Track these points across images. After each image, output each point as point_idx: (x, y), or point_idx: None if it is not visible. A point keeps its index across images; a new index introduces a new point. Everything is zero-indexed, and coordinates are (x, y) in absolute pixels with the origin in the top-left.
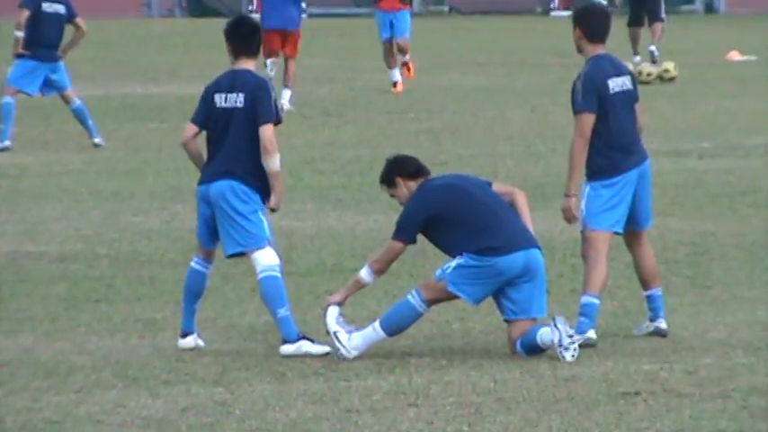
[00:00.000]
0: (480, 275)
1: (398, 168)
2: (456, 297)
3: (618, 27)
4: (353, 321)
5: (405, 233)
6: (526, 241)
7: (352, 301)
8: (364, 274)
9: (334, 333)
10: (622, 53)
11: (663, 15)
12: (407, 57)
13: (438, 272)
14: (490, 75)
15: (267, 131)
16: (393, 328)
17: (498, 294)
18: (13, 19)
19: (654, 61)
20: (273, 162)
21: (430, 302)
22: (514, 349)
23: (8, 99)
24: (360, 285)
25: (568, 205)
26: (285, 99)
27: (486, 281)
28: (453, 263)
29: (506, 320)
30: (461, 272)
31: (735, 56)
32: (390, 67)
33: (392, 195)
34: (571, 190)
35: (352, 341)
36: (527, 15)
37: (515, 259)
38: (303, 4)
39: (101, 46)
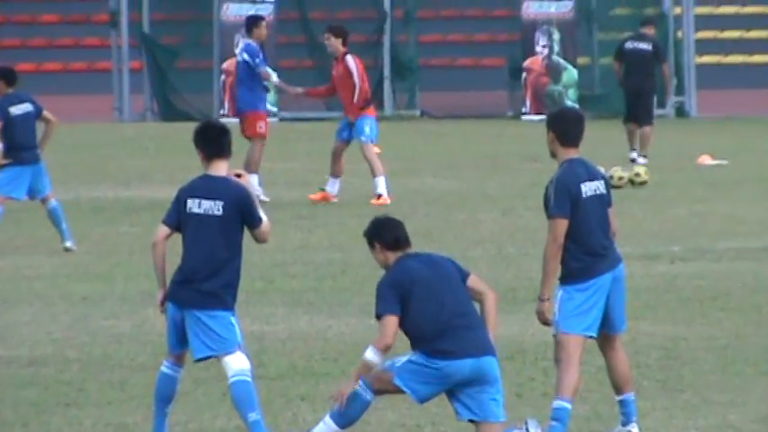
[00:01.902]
0: (427, 375)
1: (378, 234)
2: (402, 391)
3: (591, 130)
4: None
5: (386, 304)
6: (478, 348)
7: None
8: (370, 355)
9: None
10: (596, 156)
11: (652, 120)
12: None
13: (387, 362)
14: (462, 178)
15: (261, 232)
16: (344, 420)
17: (451, 396)
18: None
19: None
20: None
21: (376, 392)
22: None
23: None
24: (368, 368)
25: (542, 309)
26: (255, 185)
27: (433, 382)
28: (405, 357)
29: (459, 419)
30: (409, 367)
31: (706, 160)
32: (333, 174)
33: (371, 252)
34: (545, 294)
35: None
36: (498, 119)
37: (463, 366)
38: (267, 88)
39: (72, 150)
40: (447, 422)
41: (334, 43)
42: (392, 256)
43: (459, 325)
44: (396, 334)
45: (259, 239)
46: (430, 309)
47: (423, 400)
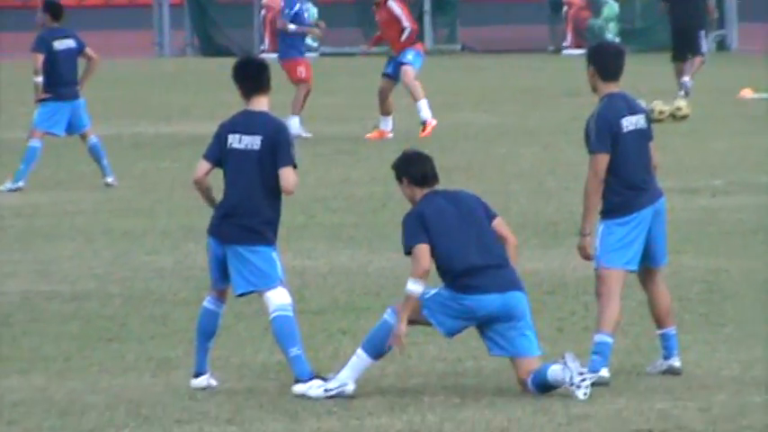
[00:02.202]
0: (454, 310)
1: (406, 169)
2: (429, 323)
3: (632, 64)
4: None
5: (413, 236)
6: (504, 284)
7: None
8: (412, 286)
9: (325, 389)
10: (637, 91)
11: (704, 50)
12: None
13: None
14: (502, 113)
15: (289, 174)
16: (376, 350)
17: (481, 332)
18: (22, 60)
19: (687, 93)
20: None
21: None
22: (526, 387)
23: (35, 142)
24: (413, 299)
25: (584, 244)
26: (296, 126)
27: (459, 317)
28: (434, 289)
29: (491, 355)
30: (438, 299)
31: (747, 93)
32: (383, 113)
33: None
34: (586, 229)
35: (340, 376)
36: (539, 53)
37: (491, 301)
38: (308, 39)
39: (113, 85)
40: (488, 356)
41: None
42: (419, 192)
43: (485, 262)
44: (429, 260)
45: (283, 183)
46: (455, 245)
47: (450, 334)
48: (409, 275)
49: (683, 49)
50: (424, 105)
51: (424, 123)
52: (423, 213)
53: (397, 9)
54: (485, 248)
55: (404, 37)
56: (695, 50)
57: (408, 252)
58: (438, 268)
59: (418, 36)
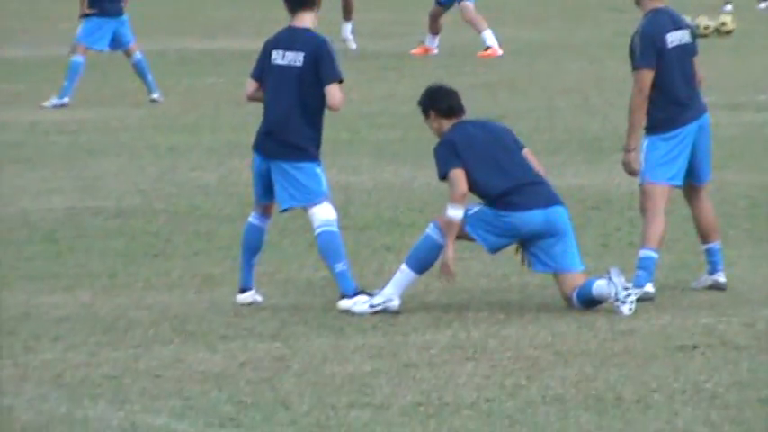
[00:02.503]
0: (496, 227)
1: (432, 102)
2: (472, 239)
3: None
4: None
5: (447, 162)
6: (545, 200)
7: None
8: (452, 212)
9: (370, 305)
10: (678, 4)
11: None
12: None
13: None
14: (546, 29)
15: (335, 91)
16: (420, 265)
17: (525, 248)
18: None
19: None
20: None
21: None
22: (571, 302)
23: (78, 58)
24: (454, 224)
25: (629, 159)
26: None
27: (503, 234)
28: (477, 207)
29: (535, 271)
30: (481, 216)
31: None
32: (432, 32)
33: (425, 122)
34: (631, 145)
35: (385, 292)
36: None
37: (533, 217)
38: None
39: (157, 1)
40: (533, 272)
41: None
42: (447, 124)
43: (523, 180)
44: (465, 183)
45: (329, 100)
46: (489, 168)
47: (493, 250)
48: (448, 202)
49: None
50: (489, 35)
51: (487, 48)
52: (453, 140)
53: None
54: (520, 168)
55: None
56: None
57: (443, 178)
58: (476, 193)
59: None
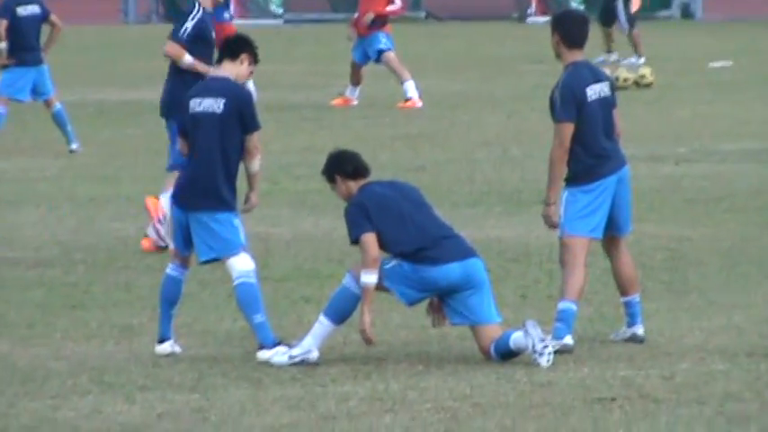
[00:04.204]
0: (415, 281)
1: (337, 166)
2: (388, 291)
3: (593, 31)
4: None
5: (358, 226)
6: (461, 252)
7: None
8: (367, 278)
9: (289, 357)
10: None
11: (622, 21)
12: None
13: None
14: (467, 80)
15: (255, 138)
16: (339, 315)
17: (442, 302)
18: None
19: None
20: (257, 164)
21: None
22: (489, 354)
23: (0, 109)
24: (371, 290)
25: (548, 213)
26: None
27: (421, 287)
28: (394, 260)
29: (452, 324)
30: (398, 271)
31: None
32: (352, 83)
33: (332, 189)
34: (551, 198)
35: (304, 343)
36: (503, 21)
37: (451, 270)
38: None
39: (77, 51)
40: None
41: None
42: (354, 186)
43: (437, 234)
44: (377, 248)
45: (250, 148)
46: (403, 225)
47: (411, 303)
48: (361, 268)
49: (605, 15)
50: (410, 86)
51: (408, 99)
52: (363, 202)
53: None
54: (433, 222)
55: (392, 7)
56: (609, 20)
57: (355, 242)
58: (391, 252)
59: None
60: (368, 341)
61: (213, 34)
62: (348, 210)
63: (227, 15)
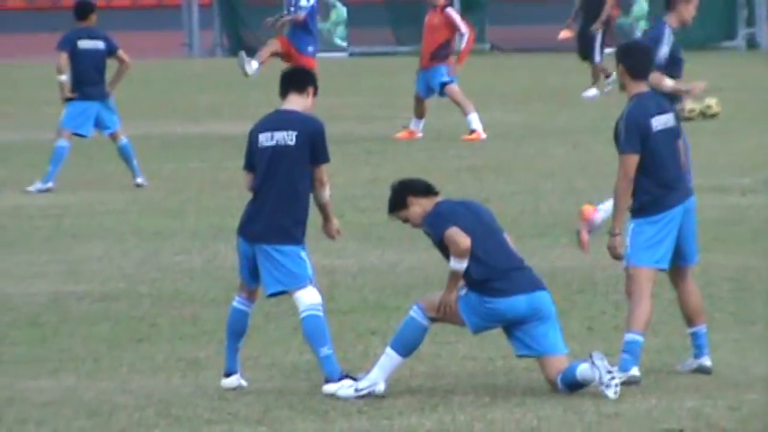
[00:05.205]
0: (481, 311)
1: (409, 188)
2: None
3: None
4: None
5: (443, 223)
6: (529, 285)
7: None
8: (455, 264)
9: (355, 389)
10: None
11: (596, 58)
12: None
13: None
14: (531, 112)
15: (324, 170)
16: (405, 348)
17: (507, 333)
18: (49, 60)
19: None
20: (327, 193)
21: (432, 318)
22: (556, 386)
23: (62, 142)
24: (458, 276)
25: (614, 244)
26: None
27: (487, 317)
28: (462, 290)
29: (518, 356)
30: (465, 299)
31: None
32: (416, 116)
33: (405, 220)
34: (616, 229)
35: (371, 376)
36: (568, 53)
37: (517, 302)
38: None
39: (142, 85)
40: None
41: None
42: (428, 204)
43: (506, 266)
44: (466, 237)
45: (319, 178)
46: (473, 253)
47: (476, 331)
48: (451, 257)
49: (584, 48)
50: (474, 118)
51: (472, 131)
52: (441, 210)
53: (456, 17)
54: (503, 251)
55: (462, 44)
56: (587, 53)
57: (440, 242)
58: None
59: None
60: (445, 307)
61: None
62: (428, 217)
63: (311, 49)
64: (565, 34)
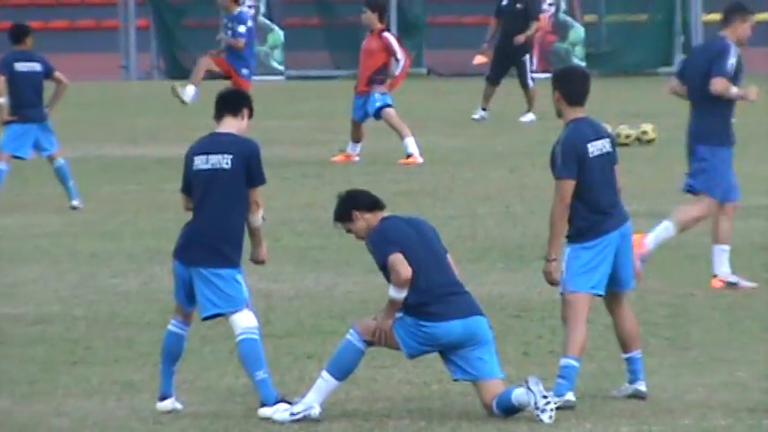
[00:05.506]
0: (417, 335)
1: (354, 202)
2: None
3: (598, 88)
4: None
5: (386, 247)
6: (465, 309)
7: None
8: (394, 293)
9: (291, 413)
10: (599, 113)
11: (528, 80)
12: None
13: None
14: (469, 136)
15: (257, 192)
16: (341, 372)
17: (444, 357)
18: None
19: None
20: (259, 218)
21: (368, 342)
22: (491, 410)
23: (1, 165)
24: (396, 305)
25: (550, 269)
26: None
27: (423, 341)
28: (399, 313)
29: (455, 380)
30: (401, 323)
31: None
32: (353, 139)
33: (348, 230)
34: (552, 254)
35: (306, 399)
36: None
37: (453, 327)
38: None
39: (79, 108)
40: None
41: (370, 17)
42: (373, 219)
43: (445, 290)
44: (408, 267)
45: (252, 201)
46: (418, 265)
47: (412, 356)
48: (391, 285)
49: (500, 71)
50: (411, 142)
51: (409, 155)
52: (386, 229)
53: (393, 42)
54: (443, 275)
55: (398, 70)
56: (523, 81)
57: (384, 265)
58: None
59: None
60: (379, 333)
61: None
62: (372, 236)
63: (245, 72)
64: (479, 59)
